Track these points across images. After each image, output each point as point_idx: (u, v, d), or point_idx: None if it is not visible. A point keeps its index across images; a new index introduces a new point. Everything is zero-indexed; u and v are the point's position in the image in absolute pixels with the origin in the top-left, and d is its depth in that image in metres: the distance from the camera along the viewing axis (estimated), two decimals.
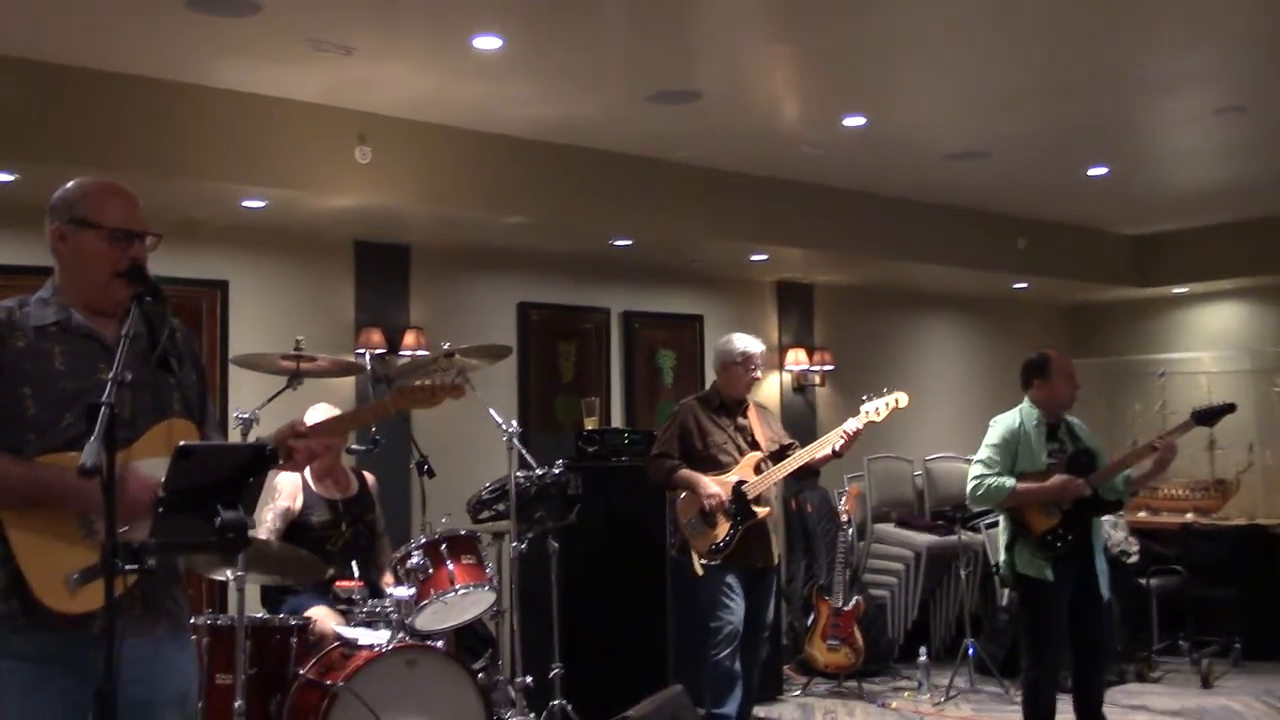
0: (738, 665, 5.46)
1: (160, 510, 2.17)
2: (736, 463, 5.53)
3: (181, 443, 2.22)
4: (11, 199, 5.45)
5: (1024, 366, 5.34)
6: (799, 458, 5.51)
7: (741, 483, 5.45)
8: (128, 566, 2.11)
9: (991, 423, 5.31)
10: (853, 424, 5.47)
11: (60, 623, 2.42)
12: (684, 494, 5.48)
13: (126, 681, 2.26)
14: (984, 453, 5.23)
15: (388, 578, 4.97)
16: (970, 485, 5.21)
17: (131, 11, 4.58)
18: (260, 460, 2.28)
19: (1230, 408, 5.11)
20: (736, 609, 5.45)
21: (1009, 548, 5.16)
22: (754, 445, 5.62)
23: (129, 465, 2.41)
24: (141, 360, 2.58)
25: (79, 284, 2.63)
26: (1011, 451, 5.18)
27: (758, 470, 5.52)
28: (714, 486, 5.41)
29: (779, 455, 5.60)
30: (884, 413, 5.52)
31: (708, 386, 5.89)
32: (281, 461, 2.70)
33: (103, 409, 2.11)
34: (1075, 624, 5.19)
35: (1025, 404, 5.27)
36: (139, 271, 2.55)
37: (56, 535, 2.43)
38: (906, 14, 4.83)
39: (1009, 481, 5.08)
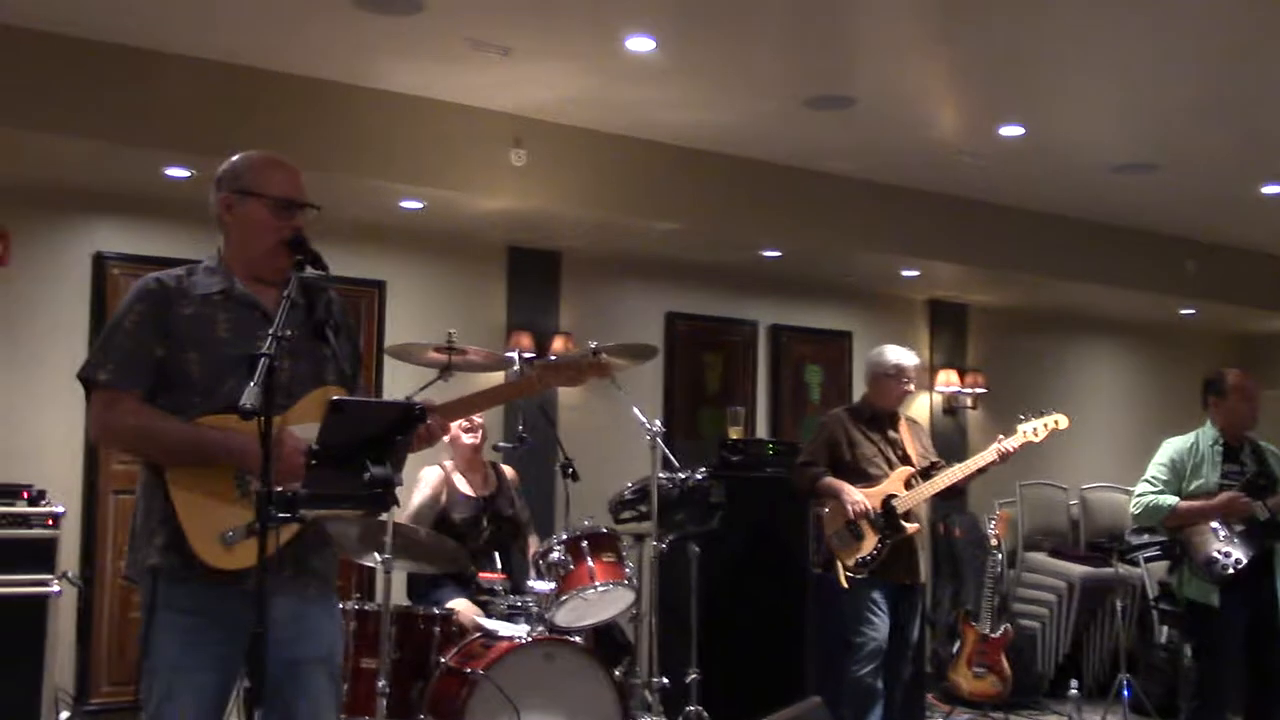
0: (880, 683, 5.34)
1: (313, 462, 2.22)
2: (886, 476, 5.43)
3: (334, 397, 2.27)
4: (187, 195, 5.71)
5: (1203, 384, 5.17)
6: (951, 474, 5.38)
7: (892, 496, 5.35)
8: (280, 514, 2.16)
9: (1165, 443, 5.14)
10: (1009, 443, 5.33)
11: (216, 577, 2.50)
12: (830, 505, 5.40)
13: (275, 639, 2.33)
14: (1151, 470, 5.11)
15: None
16: (1134, 502, 5.09)
17: (302, 10, 4.75)
18: (409, 418, 2.32)
19: None
20: (881, 625, 5.34)
21: (1176, 568, 4.97)
22: (905, 460, 5.51)
23: (284, 428, 2.47)
24: (299, 331, 2.66)
25: (243, 252, 2.73)
26: (1180, 471, 5.03)
27: (908, 485, 5.41)
28: (859, 494, 5.31)
29: (926, 473, 5.48)
30: (1043, 434, 5.37)
31: (858, 399, 5.80)
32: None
33: (262, 359, 2.17)
34: (1253, 658, 4.94)
35: (1205, 424, 5.10)
36: (301, 241, 2.63)
37: (214, 494, 2.51)
38: (1069, 17, 4.69)
39: (1170, 499, 4.92)
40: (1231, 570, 4.81)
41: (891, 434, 5.56)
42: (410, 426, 2.34)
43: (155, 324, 2.59)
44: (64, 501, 5.24)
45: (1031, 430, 5.36)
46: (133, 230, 5.96)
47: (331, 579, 2.78)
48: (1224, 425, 5.04)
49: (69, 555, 5.41)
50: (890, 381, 5.54)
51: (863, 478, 5.42)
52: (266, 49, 5.18)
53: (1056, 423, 5.35)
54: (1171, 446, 5.11)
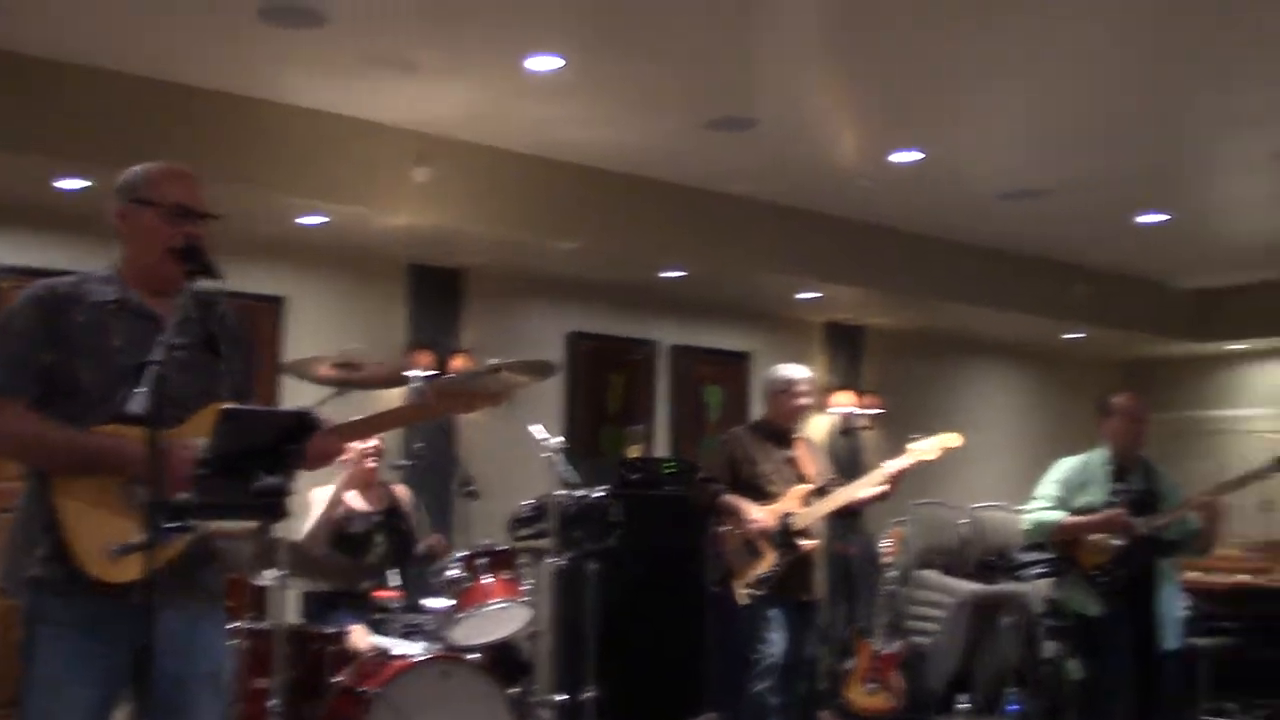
0: (777, 699, 5.40)
1: (202, 471, 2.20)
2: (784, 494, 5.50)
3: (225, 405, 2.25)
4: (83, 207, 5.59)
5: (1096, 406, 5.36)
6: (847, 493, 5.46)
7: (789, 514, 5.42)
8: (170, 524, 2.13)
9: (1058, 462, 5.31)
10: (900, 462, 5.43)
11: (100, 590, 2.45)
12: (729, 523, 5.44)
13: (162, 653, 2.29)
14: (1042, 488, 5.26)
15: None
16: (1024, 519, 5.24)
17: (205, 22, 4.70)
18: (302, 426, 2.30)
19: None
20: (778, 642, 5.40)
21: (1060, 581, 5.13)
22: (802, 478, 5.59)
23: (175, 439, 2.44)
24: (193, 346, 2.64)
25: (137, 261, 2.69)
26: (1071, 488, 5.19)
27: (805, 503, 5.48)
28: (759, 513, 5.37)
29: (822, 491, 5.56)
30: (936, 452, 5.47)
31: (758, 418, 5.88)
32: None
33: (150, 366, 2.15)
34: (1138, 673, 5.10)
35: (1100, 446, 5.26)
36: (194, 250, 2.60)
37: (102, 504, 2.46)
38: (966, 46, 4.85)
39: (1056, 515, 5.09)
40: (1108, 580, 4.99)
41: (789, 453, 5.63)
42: (303, 435, 2.32)
43: (45, 330, 2.54)
44: None
45: (923, 449, 5.47)
46: (24, 242, 5.80)
47: (219, 594, 2.74)
48: (1114, 446, 5.21)
49: None
50: (784, 397, 5.62)
51: (761, 495, 5.48)
52: (169, 61, 5.10)
53: (950, 441, 5.47)
54: (1064, 465, 5.27)
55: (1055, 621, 6.92)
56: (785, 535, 5.38)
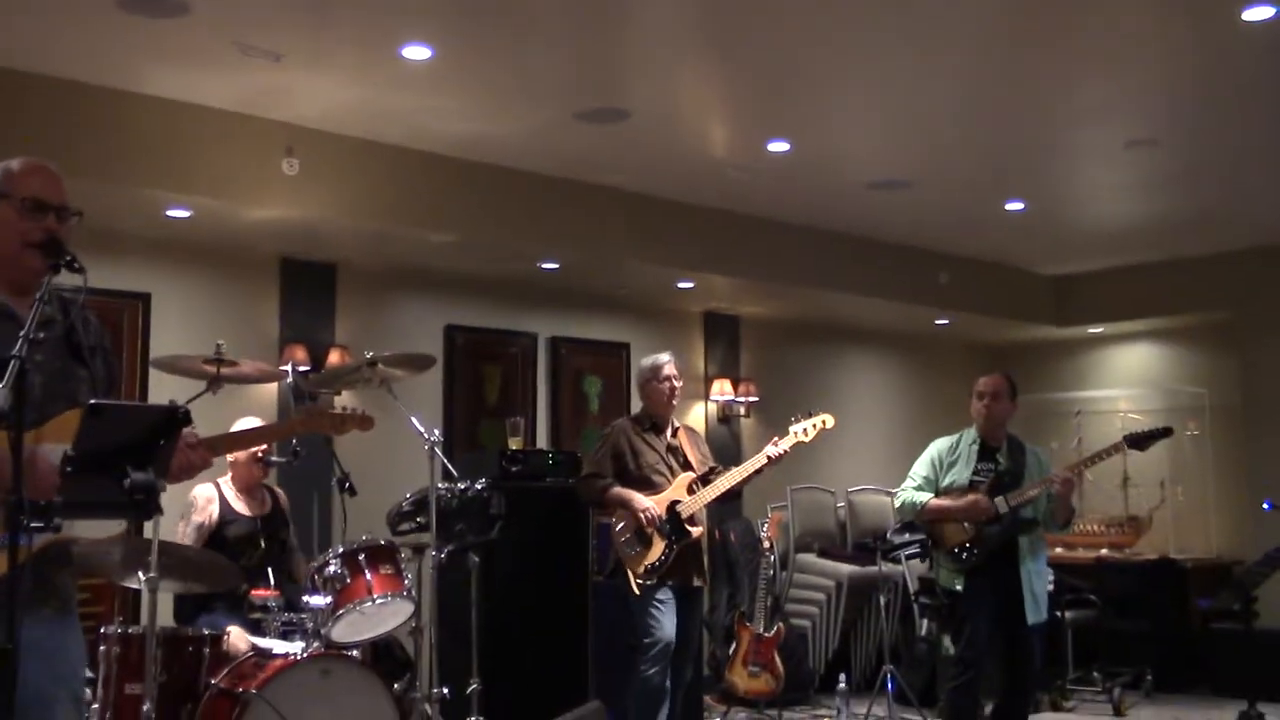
0: (667, 682, 5.46)
1: (69, 469, 2.14)
2: (669, 483, 5.57)
3: (92, 400, 2.20)
4: None
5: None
6: (730, 478, 5.56)
7: (676, 502, 5.49)
8: (34, 524, 2.07)
9: (932, 443, 5.51)
10: (780, 445, 5.55)
11: None
12: (618, 514, 5.49)
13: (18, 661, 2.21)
14: (914, 468, 5.48)
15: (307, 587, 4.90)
16: (896, 497, 5.47)
17: (63, 10, 4.55)
18: (173, 421, 2.26)
19: (1166, 432, 5.28)
20: (668, 625, 5.46)
21: (930, 558, 5.33)
22: (686, 466, 5.66)
23: (39, 447, 2.37)
24: (54, 348, 2.58)
25: None
26: (938, 468, 5.39)
27: (690, 491, 5.56)
28: (648, 502, 5.43)
29: (705, 478, 5.64)
30: (812, 434, 5.62)
31: (637, 410, 5.93)
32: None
33: (12, 361, 2.08)
34: (1002, 647, 5.29)
35: (970, 427, 5.44)
36: (54, 244, 2.53)
37: None
38: (833, 36, 4.95)
39: (923, 496, 5.30)
40: (968, 557, 5.17)
41: (671, 441, 5.71)
42: (173, 430, 2.28)
43: None
44: None
45: (801, 431, 5.61)
46: None
47: (71, 599, 2.67)
48: (980, 426, 5.39)
49: None
50: (655, 384, 5.70)
51: (647, 485, 5.54)
52: (24, 50, 4.93)
53: (824, 422, 5.63)
54: (935, 446, 5.49)
55: (928, 599, 7.18)
56: (673, 523, 5.45)
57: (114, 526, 2.63)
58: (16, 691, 2.15)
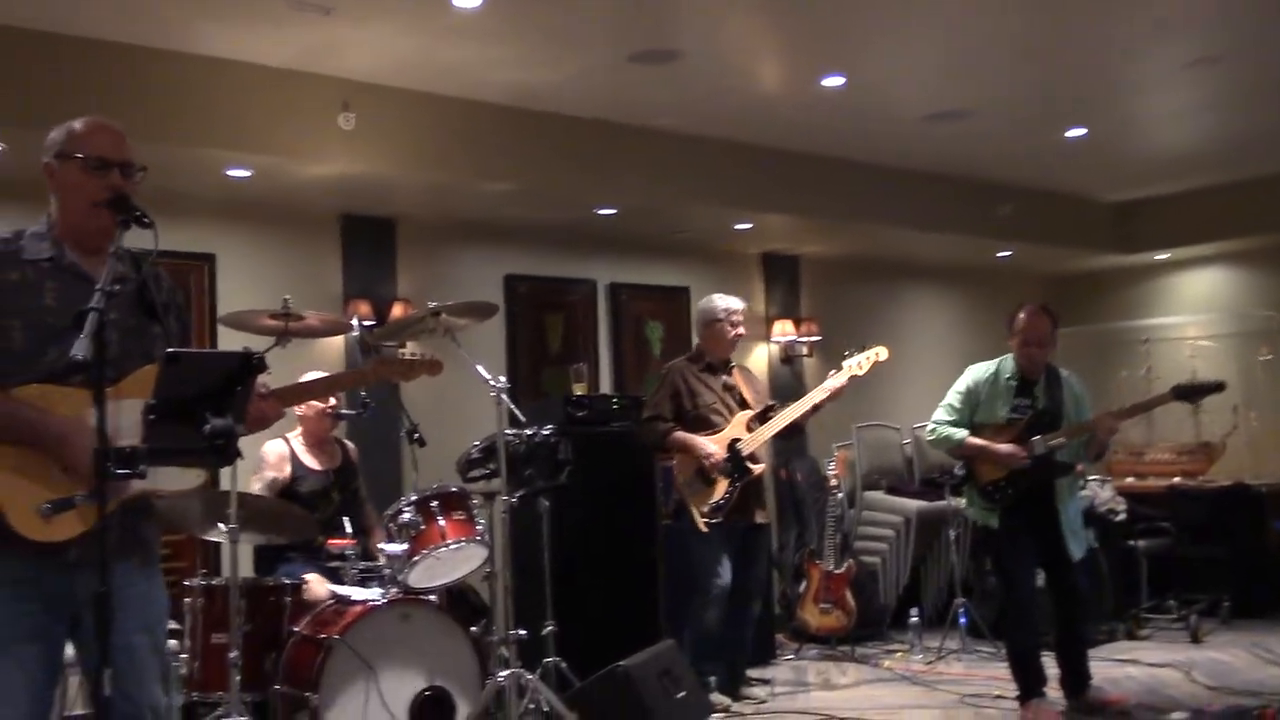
0: (720, 624, 5.51)
1: (151, 418, 2.19)
2: (727, 422, 5.60)
3: (170, 349, 2.25)
4: (3, 170, 5.47)
5: (1007, 316, 5.39)
6: (787, 414, 5.58)
7: (736, 440, 5.52)
8: (120, 470, 2.13)
9: (967, 369, 5.40)
10: (835, 381, 5.55)
11: (34, 549, 2.45)
12: (679, 456, 5.54)
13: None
14: (948, 397, 5.38)
15: (378, 534, 4.99)
16: (928, 428, 5.39)
17: None
18: (248, 367, 2.30)
19: (1218, 386, 5.14)
20: (726, 570, 5.51)
21: (965, 491, 5.29)
22: (743, 405, 5.69)
23: (79, 419, 2.42)
24: (128, 305, 2.63)
25: (66, 218, 2.68)
26: (973, 401, 5.30)
27: (749, 429, 5.58)
28: (711, 445, 5.47)
29: (763, 415, 5.66)
30: (866, 366, 5.62)
31: (694, 350, 5.94)
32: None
33: (91, 313, 2.13)
34: (1049, 581, 5.28)
35: (1008, 355, 5.33)
36: (121, 200, 2.57)
37: (32, 465, 2.45)
38: None
39: (959, 433, 5.23)
40: (1001, 496, 5.13)
41: (728, 380, 5.72)
42: (249, 376, 2.32)
43: None
44: None
45: (855, 364, 5.61)
46: None
47: (155, 551, 2.75)
48: (1017, 360, 5.29)
49: None
50: (720, 325, 5.71)
51: (705, 425, 5.58)
52: (80, 15, 4.98)
53: (878, 355, 5.63)
54: (971, 375, 5.36)
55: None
56: (734, 462, 5.48)
57: (193, 479, 2.69)
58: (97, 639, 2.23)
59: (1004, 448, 5.11)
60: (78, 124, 2.70)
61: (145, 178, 2.71)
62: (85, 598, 2.29)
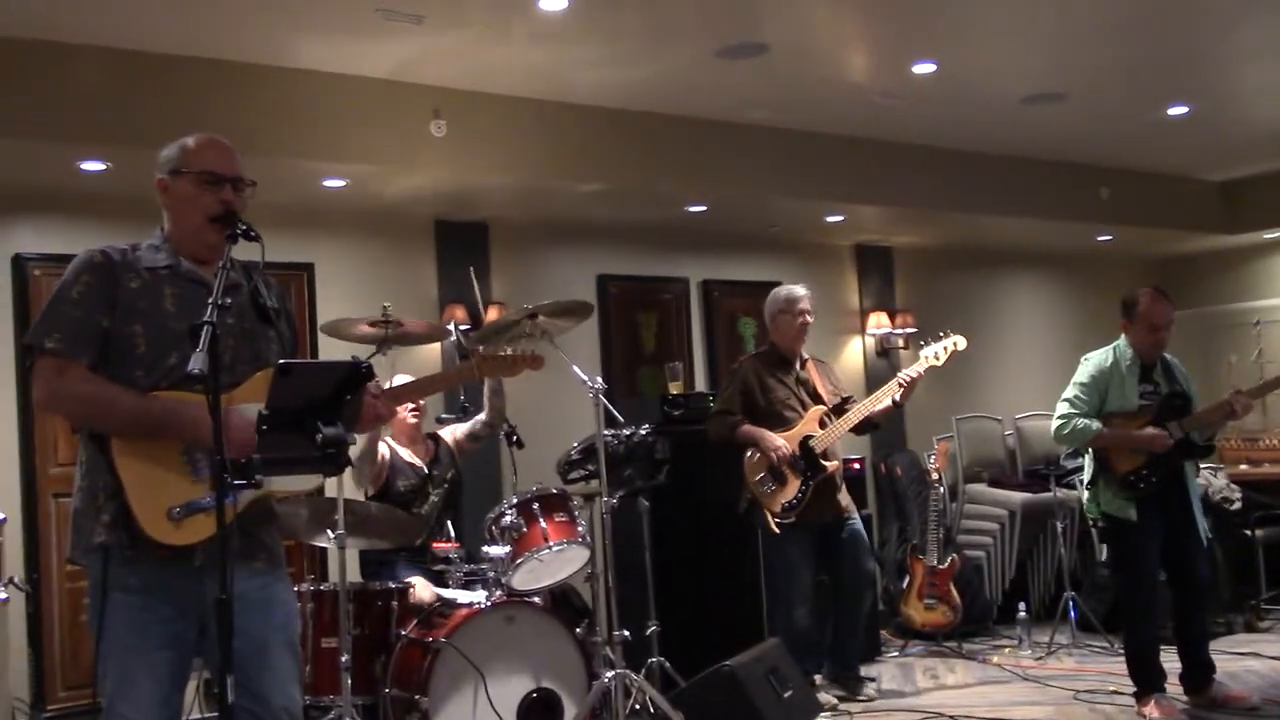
0: (810, 621, 5.43)
1: (264, 428, 2.22)
2: (800, 418, 5.51)
3: (281, 360, 2.28)
4: (104, 188, 5.62)
5: (1121, 303, 5.25)
6: (861, 409, 5.49)
7: (809, 437, 5.44)
8: (238, 480, 2.16)
9: (1083, 359, 5.25)
10: (911, 371, 5.45)
11: (163, 554, 2.50)
12: (750, 452, 5.46)
13: (235, 614, 2.31)
14: (1071, 390, 5.18)
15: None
16: (1056, 424, 5.17)
17: None
18: (357, 377, 2.32)
19: None
20: (806, 569, 5.43)
21: (1092, 484, 5.11)
22: (816, 399, 5.60)
23: (232, 406, 2.47)
24: (241, 311, 2.69)
25: (178, 231, 2.74)
26: (1100, 391, 5.12)
27: (822, 425, 5.50)
28: (779, 440, 5.39)
29: (839, 409, 5.57)
30: (943, 357, 5.52)
31: (765, 346, 5.87)
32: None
33: (205, 327, 2.17)
34: (1173, 569, 5.12)
35: (1121, 341, 5.19)
36: (230, 215, 2.64)
37: (162, 470, 2.50)
38: None
39: (1095, 424, 5.05)
40: (1145, 485, 4.98)
41: (800, 374, 5.64)
42: (358, 385, 2.35)
43: (102, 295, 2.57)
44: (3, 508, 5.18)
45: (933, 355, 5.51)
46: (51, 229, 5.83)
47: (279, 553, 2.79)
48: (1137, 346, 5.15)
49: (13, 561, 5.35)
50: (785, 318, 5.64)
51: (778, 421, 5.49)
52: (173, 33, 5.08)
53: (955, 345, 5.50)
54: (1091, 364, 5.20)
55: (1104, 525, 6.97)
56: (807, 458, 5.39)
57: (307, 484, 2.73)
58: (236, 641, 2.26)
59: (1148, 432, 4.98)
60: (191, 140, 2.76)
61: (255, 186, 2.77)
62: (212, 602, 2.33)
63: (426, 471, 5.16)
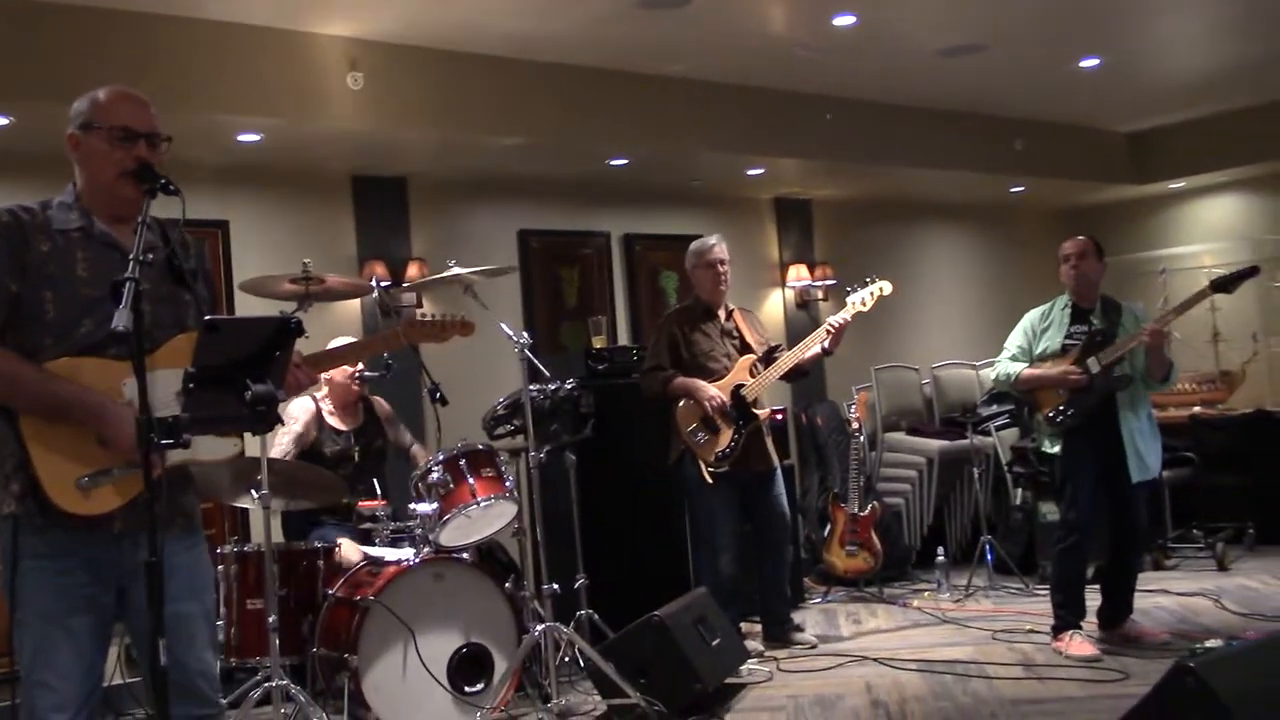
0: (737, 570, 5.50)
1: (191, 386, 2.18)
2: (727, 368, 5.54)
3: (208, 317, 2.23)
4: (10, 145, 5.42)
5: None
6: (790, 356, 5.55)
7: (740, 386, 5.47)
8: (164, 441, 2.12)
9: (1026, 314, 5.44)
10: (839, 317, 5.51)
11: (76, 523, 2.46)
12: (683, 403, 5.48)
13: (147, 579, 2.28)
14: (1009, 339, 5.42)
15: (421, 454, 5.07)
16: (991, 375, 5.47)
17: None
18: (286, 332, 2.28)
19: (1253, 271, 5.14)
20: (730, 518, 5.48)
21: (1029, 427, 5.34)
22: (745, 349, 5.63)
23: (117, 403, 2.43)
24: (158, 274, 2.61)
25: (91, 188, 2.65)
26: (1032, 337, 5.34)
27: (752, 373, 5.54)
28: (713, 390, 5.43)
29: (768, 358, 5.61)
30: (870, 302, 5.59)
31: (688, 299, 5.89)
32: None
33: (127, 284, 2.12)
34: (1109, 508, 5.25)
35: (1063, 294, 5.40)
36: (147, 170, 2.55)
37: (72, 440, 2.45)
38: None
39: (1016, 367, 5.29)
40: (1063, 420, 5.12)
41: (725, 325, 5.67)
42: (287, 341, 2.31)
43: (11, 259, 2.49)
44: None
45: (859, 300, 5.58)
46: None
47: (197, 518, 2.75)
48: (1071, 289, 5.32)
49: None
50: (702, 270, 5.67)
51: (706, 373, 5.52)
52: None
53: (881, 289, 5.60)
54: (1028, 316, 5.43)
55: (1021, 468, 7.14)
56: (739, 407, 5.44)
57: (230, 447, 2.67)
58: (148, 609, 2.22)
59: (1058, 369, 5.14)
60: (102, 94, 2.66)
61: (171, 142, 2.69)
62: (132, 568, 2.29)
63: (353, 438, 5.11)
